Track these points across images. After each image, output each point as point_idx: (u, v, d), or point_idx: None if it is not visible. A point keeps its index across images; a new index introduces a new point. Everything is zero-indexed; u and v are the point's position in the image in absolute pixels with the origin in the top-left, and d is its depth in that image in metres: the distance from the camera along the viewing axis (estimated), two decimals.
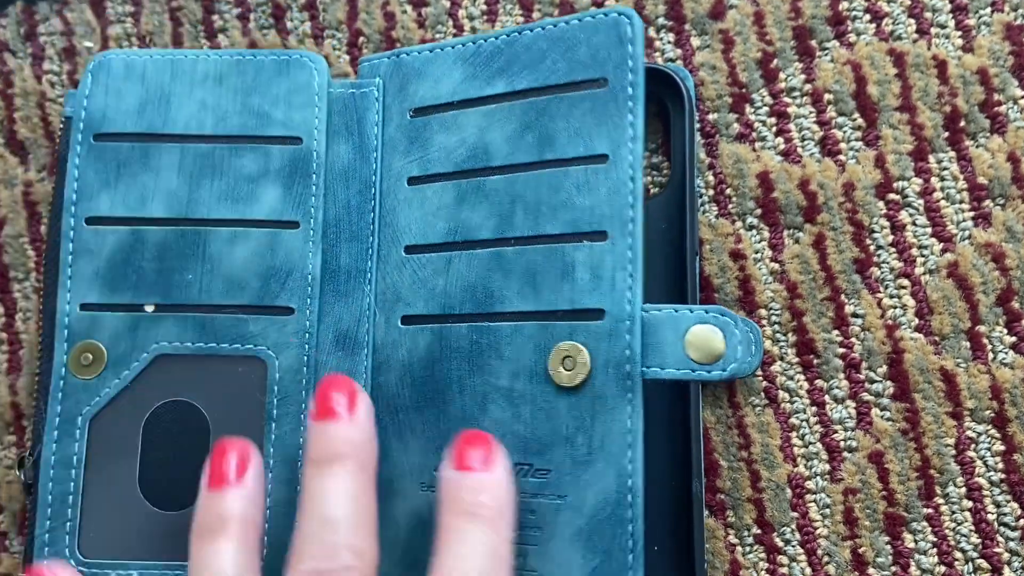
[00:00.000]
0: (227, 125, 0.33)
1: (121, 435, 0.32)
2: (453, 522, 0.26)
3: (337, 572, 0.25)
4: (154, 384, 0.32)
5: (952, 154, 0.34)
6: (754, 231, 0.35)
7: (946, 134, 0.34)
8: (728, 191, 0.35)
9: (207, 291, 0.32)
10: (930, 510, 0.32)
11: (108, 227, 0.33)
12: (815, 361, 0.34)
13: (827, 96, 0.35)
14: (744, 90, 0.35)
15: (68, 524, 0.31)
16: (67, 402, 0.32)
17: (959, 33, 0.35)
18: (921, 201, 0.34)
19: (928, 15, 0.35)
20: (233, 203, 0.33)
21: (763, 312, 0.34)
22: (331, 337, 0.32)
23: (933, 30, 0.35)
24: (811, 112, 0.35)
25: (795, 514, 0.33)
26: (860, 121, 0.35)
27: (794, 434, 0.33)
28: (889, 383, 0.33)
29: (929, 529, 0.32)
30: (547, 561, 0.29)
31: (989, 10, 0.35)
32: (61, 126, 0.35)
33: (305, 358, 0.32)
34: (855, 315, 0.34)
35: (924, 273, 0.34)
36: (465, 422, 0.30)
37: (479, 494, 0.26)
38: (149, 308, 0.32)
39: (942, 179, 0.34)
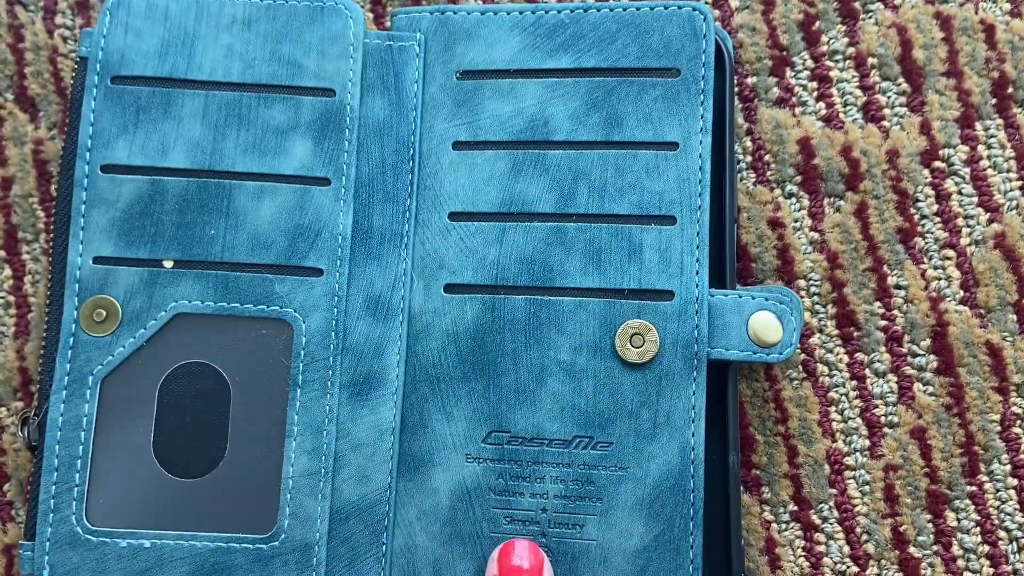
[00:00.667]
0: (255, 73, 0.32)
1: (135, 397, 0.30)
2: None
3: None
4: (172, 344, 0.31)
5: (999, 121, 0.33)
6: (793, 199, 0.33)
7: (993, 100, 0.33)
8: (767, 157, 0.34)
9: (230, 248, 0.31)
10: (974, 488, 0.31)
11: (125, 176, 0.31)
12: (856, 334, 0.32)
13: (871, 60, 0.34)
14: (785, 53, 0.34)
15: (75, 490, 0.30)
16: (77, 360, 0.30)
17: None
18: (967, 169, 0.33)
19: None
20: (260, 156, 0.31)
21: (802, 283, 0.33)
22: (361, 301, 0.31)
23: None
24: (854, 76, 0.34)
25: (833, 491, 0.32)
26: (905, 86, 0.33)
27: (833, 409, 0.32)
28: (932, 357, 0.32)
29: (972, 507, 0.31)
30: (607, 530, 0.29)
31: None
32: (75, 70, 0.33)
33: (334, 322, 0.31)
34: (898, 287, 0.33)
35: (970, 244, 0.33)
36: (520, 395, 0.30)
37: None
38: (168, 264, 0.31)
39: (989, 147, 0.33)
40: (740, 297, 0.30)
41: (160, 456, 0.30)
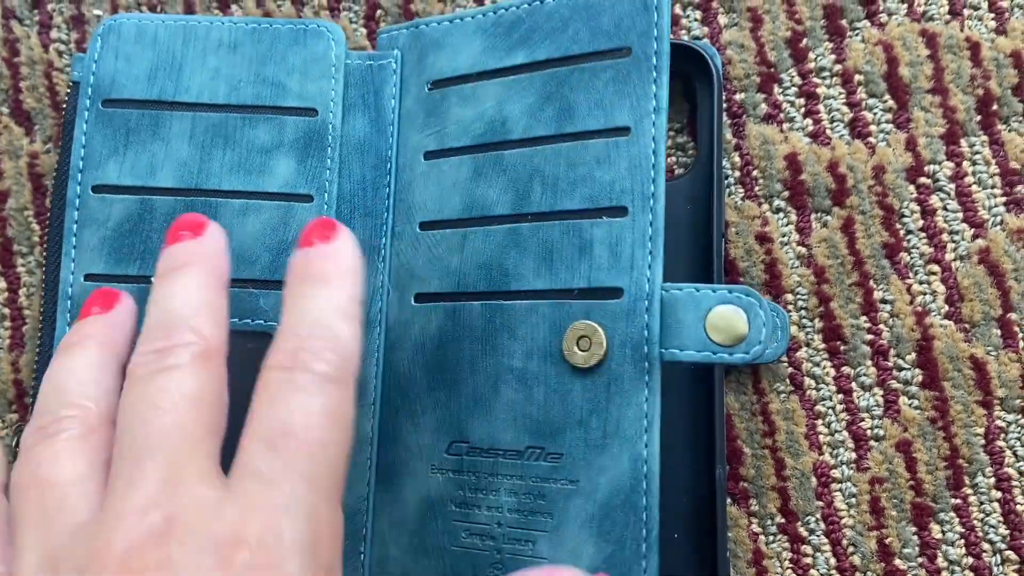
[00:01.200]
0: (240, 94, 0.32)
1: None
2: (295, 290, 0.24)
3: (176, 349, 0.23)
4: None
5: (984, 138, 0.33)
6: (781, 214, 0.34)
7: (978, 117, 0.34)
8: (755, 173, 0.34)
9: None
10: (958, 500, 0.32)
11: (115, 196, 0.32)
12: (842, 347, 0.33)
13: (857, 77, 0.34)
14: (772, 70, 0.35)
15: None
16: None
17: (992, 15, 0.34)
18: (952, 185, 0.33)
19: None
20: (245, 175, 0.32)
21: (789, 297, 0.33)
22: None
23: (966, 11, 0.34)
24: (841, 93, 0.34)
25: (820, 503, 0.32)
26: (891, 103, 0.34)
27: (820, 422, 0.33)
28: (918, 371, 0.32)
29: (957, 520, 0.32)
30: (557, 548, 0.28)
31: None
32: (68, 91, 0.34)
33: None
34: (884, 301, 0.33)
35: (955, 259, 0.33)
36: (477, 403, 0.29)
37: (324, 261, 0.24)
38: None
39: (974, 163, 0.33)
40: (697, 291, 0.28)
41: None
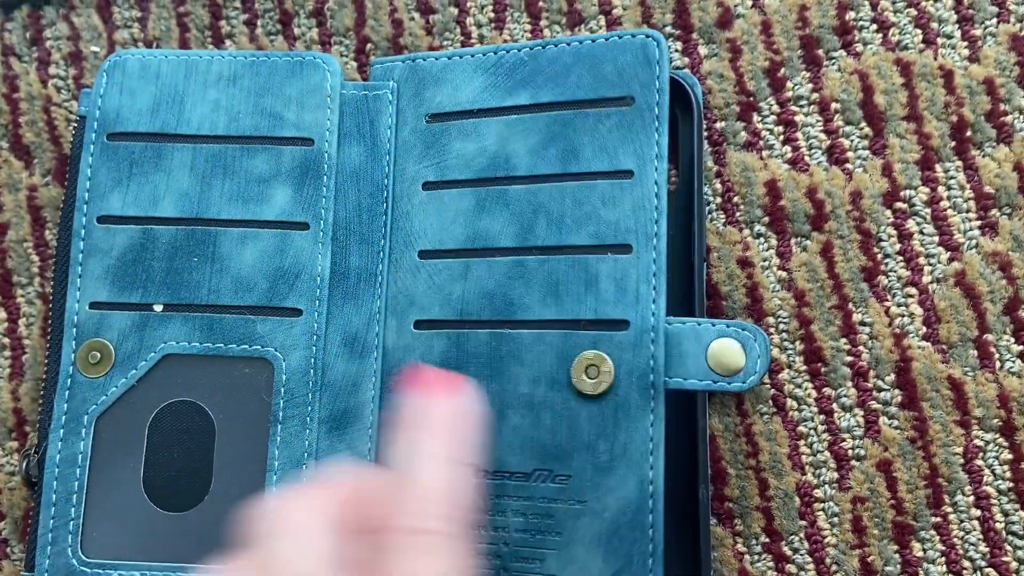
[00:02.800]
0: (239, 126, 0.33)
1: (126, 434, 0.32)
2: (409, 436, 0.23)
3: None
4: (161, 384, 0.32)
5: (959, 163, 0.34)
6: (762, 239, 0.35)
7: (953, 143, 0.34)
8: (736, 199, 0.35)
9: (215, 291, 0.32)
10: (938, 519, 0.32)
11: (119, 226, 0.33)
12: (823, 369, 0.34)
13: (834, 105, 0.35)
14: (752, 99, 0.35)
15: (72, 523, 0.31)
16: (74, 400, 0.32)
17: (965, 43, 0.35)
18: (928, 210, 0.34)
19: (934, 25, 0.35)
20: (244, 204, 0.33)
21: (771, 320, 0.34)
22: (339, 339, 0.32)
23: (939, 40, 0.35)
24: (818, 121, 0.35)
25: (803, 523, 0.33)
26: (867, 130, 0.35)
27: (802, 442, 0.33)
28: (897, 391, 0.33)
29: (937, 538, 0.32)
30: (567, 565, 0.29)
31: (995, 20, 0.35)
32: (75, 125, 0.35)
33: (312, 360, 0.32)
34: (863, 323, 0.34)
35: (931, 282, 0.34)
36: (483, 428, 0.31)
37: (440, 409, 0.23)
38: (158, 308, 0.32)
39: (949, 188, 0.34)
40: (699, 325, 0.30)
41: (150, 491, 0.31)
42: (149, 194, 0.33)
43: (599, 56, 0.32)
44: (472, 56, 0.33)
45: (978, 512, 0.32)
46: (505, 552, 0.30)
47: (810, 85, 0.35)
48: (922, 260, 0.34)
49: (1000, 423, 0.33)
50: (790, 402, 0.34)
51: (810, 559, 0.33)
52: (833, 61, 0.35)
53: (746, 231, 0.35)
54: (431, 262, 0.32)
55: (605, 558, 0.29)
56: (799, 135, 0.35)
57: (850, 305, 0.34)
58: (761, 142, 0.35)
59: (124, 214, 0.33)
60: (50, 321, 0.34)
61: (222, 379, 0.32)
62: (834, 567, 0.32)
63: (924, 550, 0.32)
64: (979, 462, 0.32)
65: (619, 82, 0.31)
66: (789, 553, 0.33)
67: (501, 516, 0.30)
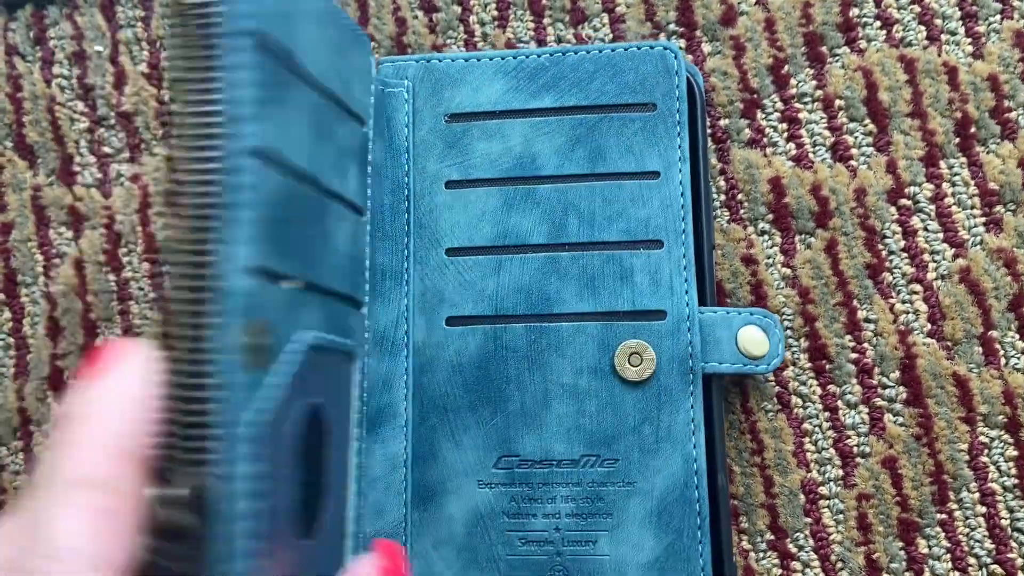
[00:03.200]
0: (330, 79, 0.27)
1: (281, 444, 0.23)
2: None
3: None
4: (305, 382, 0.24)
5: (963, 160, 0.34)
6: (766, 236, 0.35)
7: (957, 140, 0.34)
8: (740, 196, 0.35)
9: (331, 272, 0.26)
10: (944, 515, 0.32)
11: (269, 170, 0.23)
12: (828, 366, 0.34)
13: (838, 102, 0.35)
14: (755, 96, 0.35)
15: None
16: (234, 403, 0.21)
17: (969, 40, 0.35)
18: (932, 207, 0.34)
19: (938, 22, 0.35)
20: (339, 176, 0.27)
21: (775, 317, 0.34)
22: (371, 337, 0.31)
23: (943, 37, 0.35)
24: (822, 118, 0.35)
25: (808, 520, 0.33)
26: (871, 127, 0.35)
27: (807, 439, 0.33)
28: (902, 388, 0.33)
29: (943, 534, 0.32)
30: (620, 544, 0.31)
31: (999, 17, 0.35)
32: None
33: (364, 356, 0.29)
34: (867, 320, 0.34)
35: (936, 278, 0.34)
36: (527, 419, 0.32)
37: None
38: (297, 284, 0.24)
39: (953, 185, 0.34)
40: (728, 313, 0.32)
41: (288, 516, 0.23)
42: (281, 128, 0.23)
43: (621, 65, 0.33)
44: (491, 59, 0.34)
45: (983, 508, 0.32)
46: (557, 537, 0.31)
47: (814, 82, 0.35)
48: (927, 257, 0.34)
49: (1005, 419, 0.32)
50: (795, 399, 0.34)
51: (815, 556, 0.33)
52: (837, 58, 0.35)
53: (750, 228, 0.35)
54: (460, 259, 0.33)
55: (656, 534, 0.31)
56: (803, 132, 0.35)
57: (855, 302, 0.34)
58: (765, 139, 0.35)
59: (265, 145, 0.22)
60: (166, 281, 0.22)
61: (331, 376, 0.26)
62: (839, 564, 0.32)
63: (929, 547, 0.32)
64: (984, 458, 0.32)
65: (641, 89, 0.33)
66: (794, 550, 0.33)
67: (551, 503, 0.31)
